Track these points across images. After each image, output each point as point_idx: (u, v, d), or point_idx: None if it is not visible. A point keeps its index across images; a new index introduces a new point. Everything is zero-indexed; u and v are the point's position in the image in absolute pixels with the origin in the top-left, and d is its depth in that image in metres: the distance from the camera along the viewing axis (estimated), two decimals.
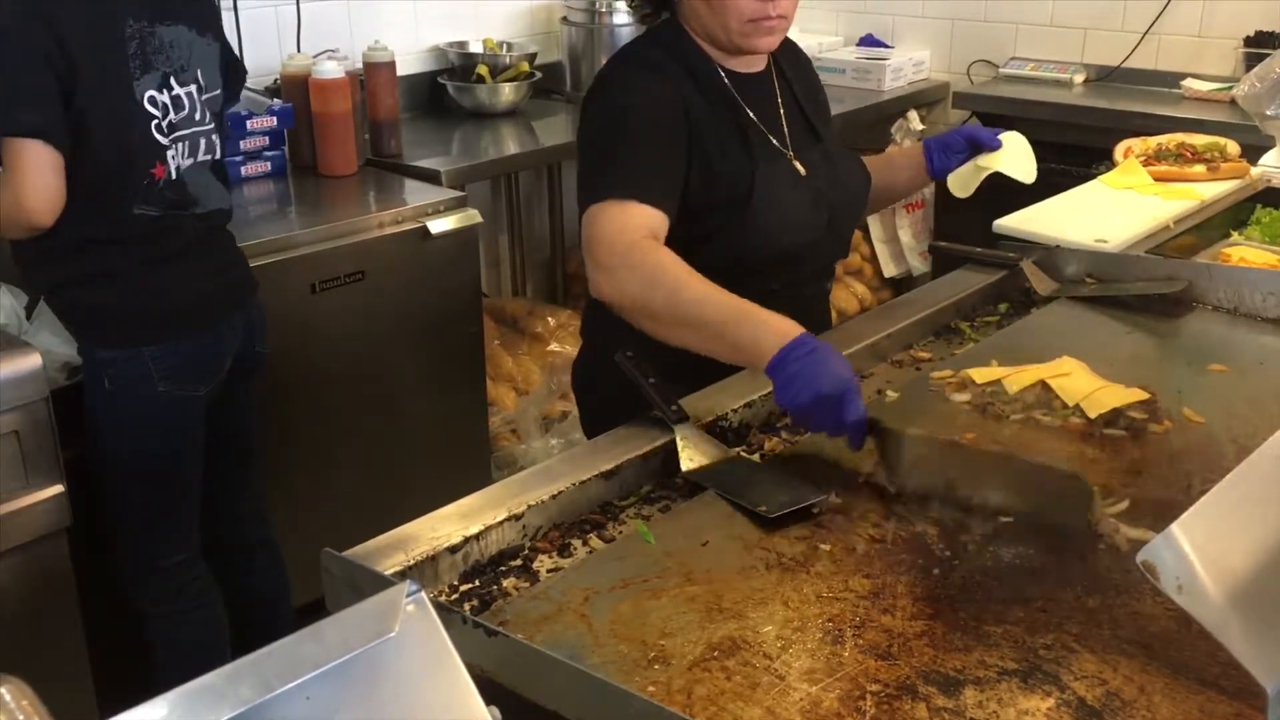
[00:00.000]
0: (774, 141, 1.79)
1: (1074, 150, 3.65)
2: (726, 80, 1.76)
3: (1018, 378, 1.58)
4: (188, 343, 2.17)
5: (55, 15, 1.94)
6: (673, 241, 1.61)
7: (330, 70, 2.93)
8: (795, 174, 1.79)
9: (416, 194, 2.90)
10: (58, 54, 1.94)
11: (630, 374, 1.53)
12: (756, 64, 1.81)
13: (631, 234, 1.58)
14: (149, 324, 2.13)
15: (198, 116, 2.17)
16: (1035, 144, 4.08)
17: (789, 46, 1.94)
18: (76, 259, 2.07)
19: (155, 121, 2.08)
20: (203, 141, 2.19)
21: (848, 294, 4.13)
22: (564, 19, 3.79)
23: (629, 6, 1.90)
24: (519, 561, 1.28)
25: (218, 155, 2.25)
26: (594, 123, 1.74)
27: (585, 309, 1.98)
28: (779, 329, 1.42)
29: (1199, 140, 2.73)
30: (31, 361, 1.98)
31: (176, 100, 2.12)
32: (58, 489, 2.04)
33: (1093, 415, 1.50)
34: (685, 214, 1.68)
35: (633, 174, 1.63)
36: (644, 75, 1.72)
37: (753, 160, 1.73)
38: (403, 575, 1.19)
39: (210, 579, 2.35)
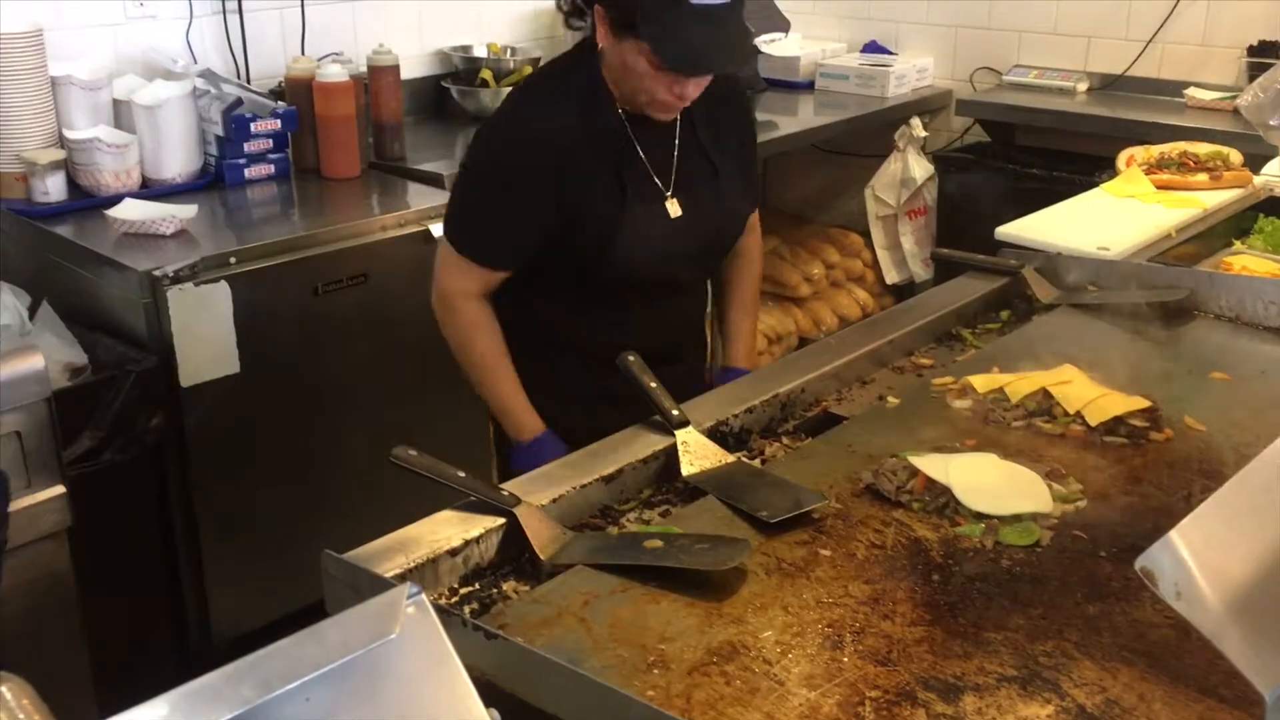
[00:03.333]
0: (657, 182, 1.84)
1: (1077, 158, 3.65)
2: (625, 120, 1.81)
3: (1019, 385, 1.58)
4: None
5: None
6: (536, 273, 1.86)
7: (334, 73, 2.93)
8: (664, 216, 1.84)
9: (419, 197, 2.90)
10: None
11: (632, 378, 1.54)
12: None
13: (460, 294, 1.88)
14: None
15: None
16: (1039, 151, 4.11)
17: (713, 85, 1.87)
18: None
19: None
20: None
21: (850, 300, 4.12)
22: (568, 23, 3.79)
23: (557, 5, 1.95)
24: (519, 564, 1.28)
25: None
26: (471, 156, 1.90)
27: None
28: (519, 426, 1.89)
29: (1201, 149, 2.74)
30: (34, 362, 1.98)
31: None
32: (59, 490, 2.04)
33: (1094, 423, 1.50)
34: (552, 249, 1.83)
35: (481, 234, 1.86)
36: (532, 123, 1.81)
37: (624, 204, 1.80)
38: (403, 578, 1.19)
39: None
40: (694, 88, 1.74)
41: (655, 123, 1.82)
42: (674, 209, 1.85)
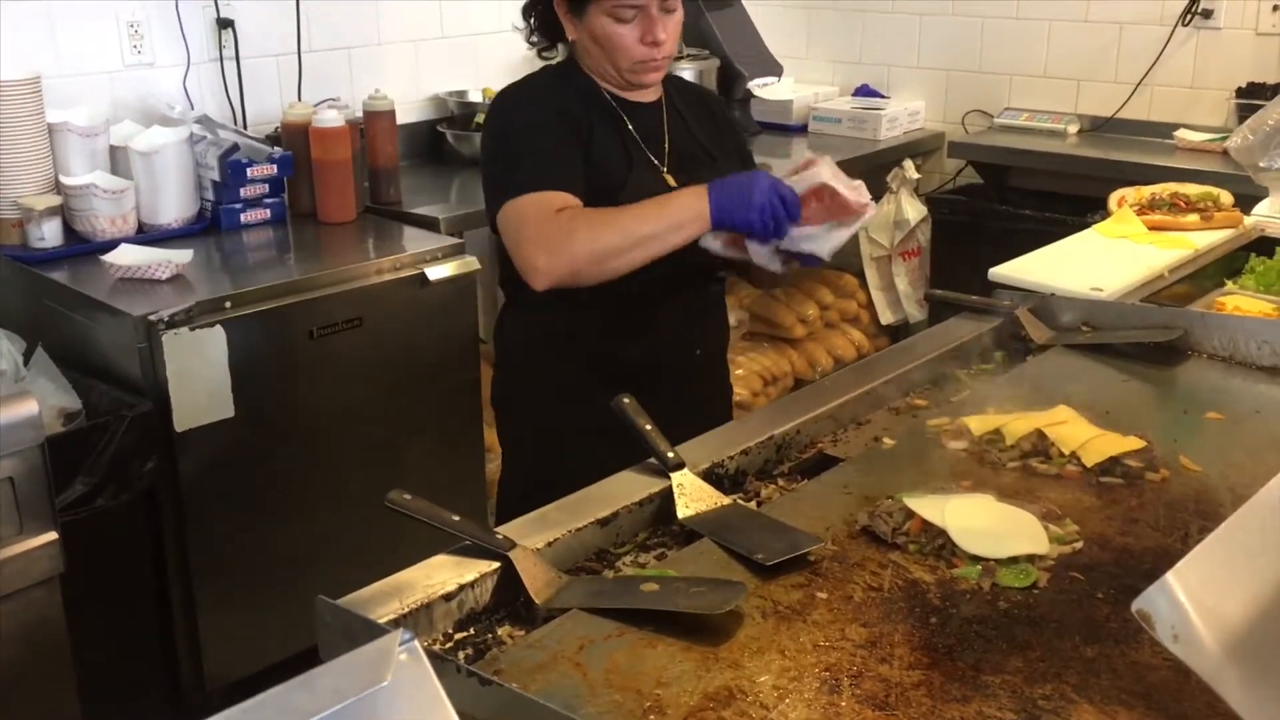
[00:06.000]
0: (651, 158, 1.96)
1: (1069, 199, 3.68)
2: (614, 102, 1.96)
3: (1014, 426, 1.58)
4: None
5: None
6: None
7: (331, 118, 2.95)
8: (665, 185, 1.93)
9: (415, 241, 2.91)
10: None
11: (627, 420, 1.53)
12: (647, 96, 1.99)
13: (550, 211, 1.79)
14: None
15: None
16: (1031, 193, 4.14)
17: (694, 92, 2.15)
18: None
19: None
20: None
21: (845, 341, 4.13)
22: None
23: (525, 40, 2.04)
24: (514, 609, 1.27)
25: None
26: (488, 142, 1.96)
27: (496, 329, 2.12)
28: (691, 194, 1.80)
29: (1192, 190, 2.75)
30: (28, 408, 1.98)
31: None
32: (51, 536, 2.03)
33: (1089, 464, 1.50)
34: None
35: (534, 170, 1.84)
36: (526, 91, 1.96)
37: (630, 163, 1.92)
38: (397, 623, 1.18)
39: None
40: (662, 30, 1.86)
41: (643, 108, 1.97)
42: (672, 181, 1.94)
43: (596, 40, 1.89)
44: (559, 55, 2.04)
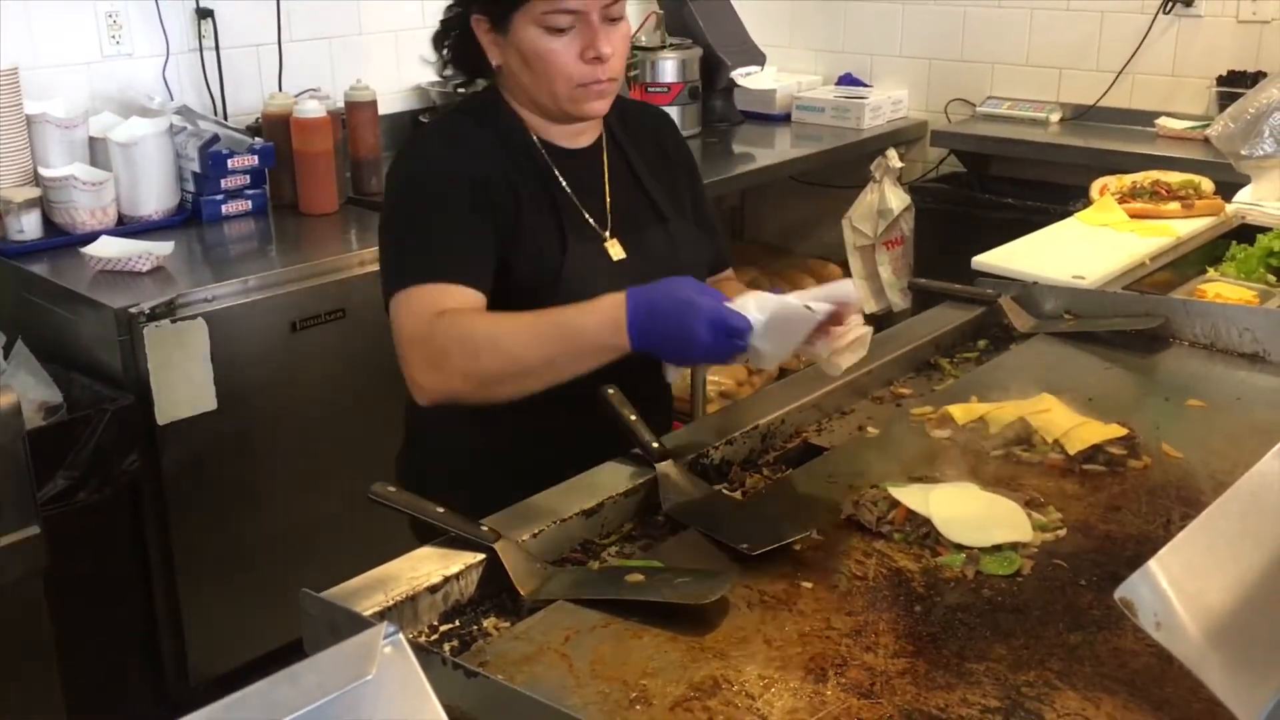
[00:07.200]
0: (590, 221, 1.66)
1: (1051, 188, 3.69)
2: (544, 153, 1.65)
3: (998, 414, 1.58)
4: None
5: None
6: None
7: (312, 109, 2.94)
8: (607, 258, 1.66)
9: None
10: None
11: (612, 410, 1.53)
12: (583, 138, 1.70)
13: (432, 315, 1.49)
14: None
15: None
16: (1013, 182, 4.15)
17: (643, 117, 1.82)
18: None
19: None
20: None
21: None
22: None
23: (438, 75, 1.78)
24: (500, 601, 1.27)
25: None
26: (388, 204, 1.65)
27: (408, 401, 1.68)
28: (606, 312, 1.40)
29: (1173, 178, 2.76)
30: (8, 401, 1.97)
31: None
32: (34, 530, 2.02)
33: (1072, 451, 1.51)
34: (496, 285, 1.57)
35: (428, 256, 1.54)
36: (440, 146, 1.64)
37: (564, 242, 1.62)
38: (382, 616, 1.18)
39: None
40: (606, 43, 1.55)
41: (579, 157, 1.68)
42: (616, 251, 1.67)
43: (527, 61, 1.57)
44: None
